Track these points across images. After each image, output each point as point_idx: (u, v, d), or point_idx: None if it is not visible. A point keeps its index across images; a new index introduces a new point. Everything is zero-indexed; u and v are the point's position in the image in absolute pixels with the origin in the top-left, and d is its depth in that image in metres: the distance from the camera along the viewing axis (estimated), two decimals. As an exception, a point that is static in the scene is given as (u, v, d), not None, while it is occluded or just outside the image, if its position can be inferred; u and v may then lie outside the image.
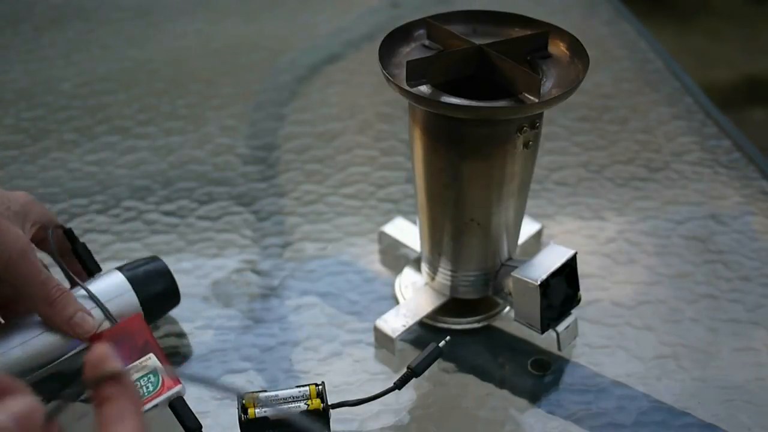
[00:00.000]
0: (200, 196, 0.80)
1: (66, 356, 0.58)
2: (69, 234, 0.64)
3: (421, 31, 0.60)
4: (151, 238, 0.75)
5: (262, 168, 0.84)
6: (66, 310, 0.57)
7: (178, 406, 0.55)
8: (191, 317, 0.67)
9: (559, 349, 0.63)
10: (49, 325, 0.57)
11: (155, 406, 0.55)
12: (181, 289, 0.69)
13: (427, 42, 0.59)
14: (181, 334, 0.66)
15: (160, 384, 0.55)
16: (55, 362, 0.58)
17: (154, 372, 0.56)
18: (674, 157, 0.85)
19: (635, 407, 0.60)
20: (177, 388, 0.55)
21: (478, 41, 0.57)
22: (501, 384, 0.62)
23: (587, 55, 0.56)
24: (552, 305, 0.60)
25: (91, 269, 0.63)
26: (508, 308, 0.66)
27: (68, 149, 0.87)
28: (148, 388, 0.55)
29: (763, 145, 0.98)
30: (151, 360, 0.57)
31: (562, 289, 0.61)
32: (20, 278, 0.56)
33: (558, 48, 0.58)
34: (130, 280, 0.62)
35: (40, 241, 0.61)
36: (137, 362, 0.56)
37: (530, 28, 0.59)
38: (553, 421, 0.59)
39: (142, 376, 0.55)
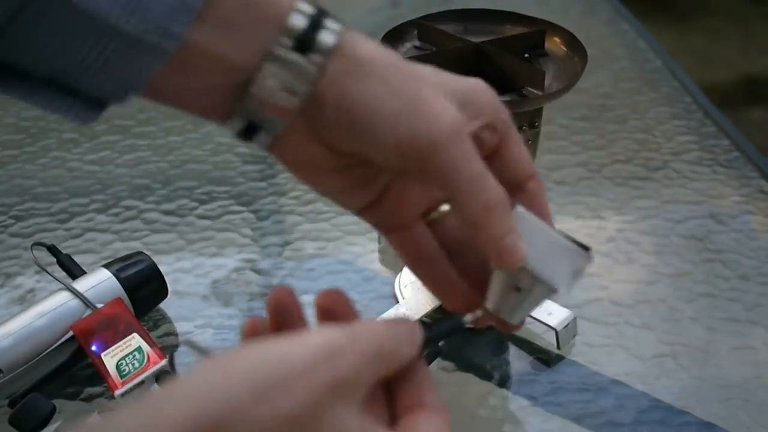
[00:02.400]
0: (200, 195, 0.80)
1: (49, 349, 0.59)
2: (52, 249, 0.67)
3: (415, 32, 0.60)
4: (150, 237, 0.75)
5: (262, 167, 0.84)
6: (504, 222, 0.40)
7: (165, 380, 0.57)
8: (191, 316, 0.67)
9: (559, 348, 0.63)
10: (475, 239, 0.41)
11: (142, 381, 0.56)
12: (181, 288, 0.69)
13: (418, 43, 0.59)
14: (181, 333, 0.66)
15: (145, 360, 0.57)
16: (40, 356, 0.58)
17: (139, 349, 0.58)
18: (673, 157, 0.85)
19: (634, 406, 0.60)
20: (162, 363, 0.57)
21: (471, 39, 0.57)
22: (500, 383, 0.62)
23: (584, 48, 0.56)
24: None
25: (78, 275, 0.65)
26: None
27: (68, 148, 0.87)
28: (134, 365, 0.57)
29: (762, 144, 0.98)
30: (135, 339, 0.58)
31: None
32: (447, 168, 0.39)
33: (554, 44, 0.58)
34: (108, 266, 0.64)
35: (476, 141, 0.42)
36: (121, 342, 0.58)
37: (522, 24, 0.59)
38: (553, 419, 0.59)
39: (127, 355, 0.57)
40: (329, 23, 0.39)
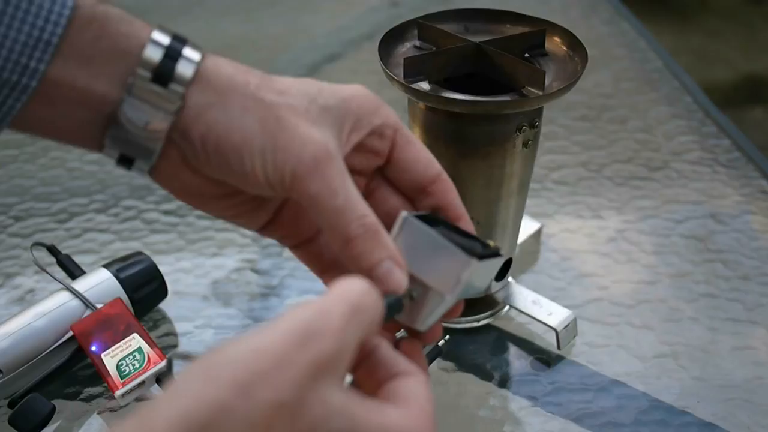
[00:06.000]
0: (200, 195, 0.80)
1: (49, 350, 0.58)
2: (52, 250, 0.66)
3: (415, 32, 0.60)
4: (150, 237, 0.75)
5: (262, 167, 0.84)
6: (368, 255, 0.39)
7: (165, 380, 0.57)
8: (191, 316, 0.67)
9: (559, 348, 0.63)
10: (349, 267, 0.40)
11: (143, 382, 0.56)
12: (181, 289, 0.69)
13: (418, 43, 0.59)
14: (181, 334, 0.66)
15: (145, 361, 0.57)
16: (38, 357, 0.58)
17: (139, 350, 0.58)
18: (674, 156, 0.85)
19: (635, 406, 0.60)
20: (163, 363, 0.57)
21: (471, 39, 0.57)
22: (500, 383, 0.62)
23: (585, 48, 0.56)
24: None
25: (77, 275, 0.64)
26: (507, 307, 0.66)
27: (68, 148, 0.87)
28: (134, 365, 0.57)
29: (763, 144, 0.98)
30: (135, 339, 0.58)
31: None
32: (308, 201, 0.39)
33: (555, 44, 0.58)
34: (108, 267, 0.64)
35: (365, 152, 0.42)
36: (121, 343, 0.58)
37: (522, 24, 0.59)
38: (553, 420, 0.59)
39: (127, 355, 0.57)
40: (188, 52, 0.39)
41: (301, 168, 0.38)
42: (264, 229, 0.45)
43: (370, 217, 0.39)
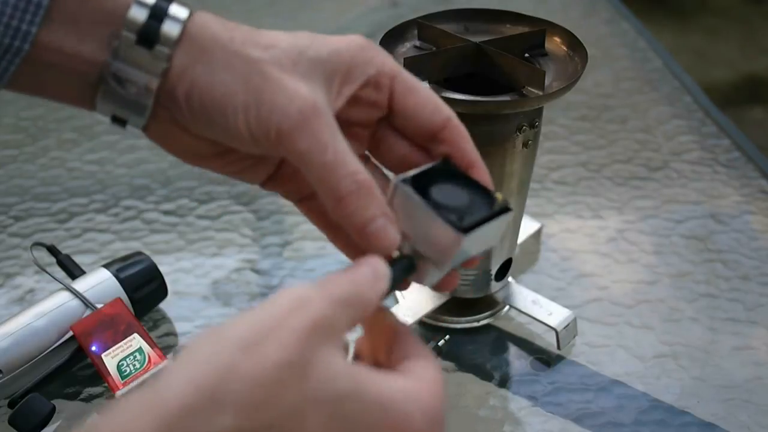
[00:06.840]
0: (200, 195, 0.80)
1: (49, 350, 0.58)
2: (52, 249, 0.66)
3: (415, 32, 0.60)
4: (150, 237, 0.75)
5: (262, 167, 0.84)
6: (361, 212, 0.38)
7: None
8: (191, 316, 0.67)
9: (559, 348, 0.63)
10: (341, 224, 0.39)
11: (143, 382, 0.56)
12: (181, 289, 0.69)
13: (418, 43, 0.59)
14: (181, 334, 0.66)
15: (146, 361, 0.57)
16: (39, 356, 0.58)
17: (140, 350, 0.58)
18: (673, 156, 0.85)
19: (635, 406, 0.60)
20: (163, 363, 0.57)
21: (471, 39, 0.57)
22: (500, 383, 0.62)
23: (584, 48, 0.56)
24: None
25: (77, 275, 0.64)
26: (507, 307, 0.66)
27: (68, 148, 0.87)
28: (135, 366, 0.57)
29: (763, 144, 0.98)
30: (136, 339, 0.58)
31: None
32: (297, 158, 0.37)
33: (555, 44, 0.58)
34: (108, 267, 0.64)
35: (362, 104, 0.40)
36: (121, 343, 0.58)
37: (522, 24, 0.59)
38: (553, 420, 0.59)
39: (128, 356, 0.57)
40: (174, 10, 0.38)
41: (288, 123, 0.37)
42: (266, 184, 0.44)
43: (363, 173, 0.37)
